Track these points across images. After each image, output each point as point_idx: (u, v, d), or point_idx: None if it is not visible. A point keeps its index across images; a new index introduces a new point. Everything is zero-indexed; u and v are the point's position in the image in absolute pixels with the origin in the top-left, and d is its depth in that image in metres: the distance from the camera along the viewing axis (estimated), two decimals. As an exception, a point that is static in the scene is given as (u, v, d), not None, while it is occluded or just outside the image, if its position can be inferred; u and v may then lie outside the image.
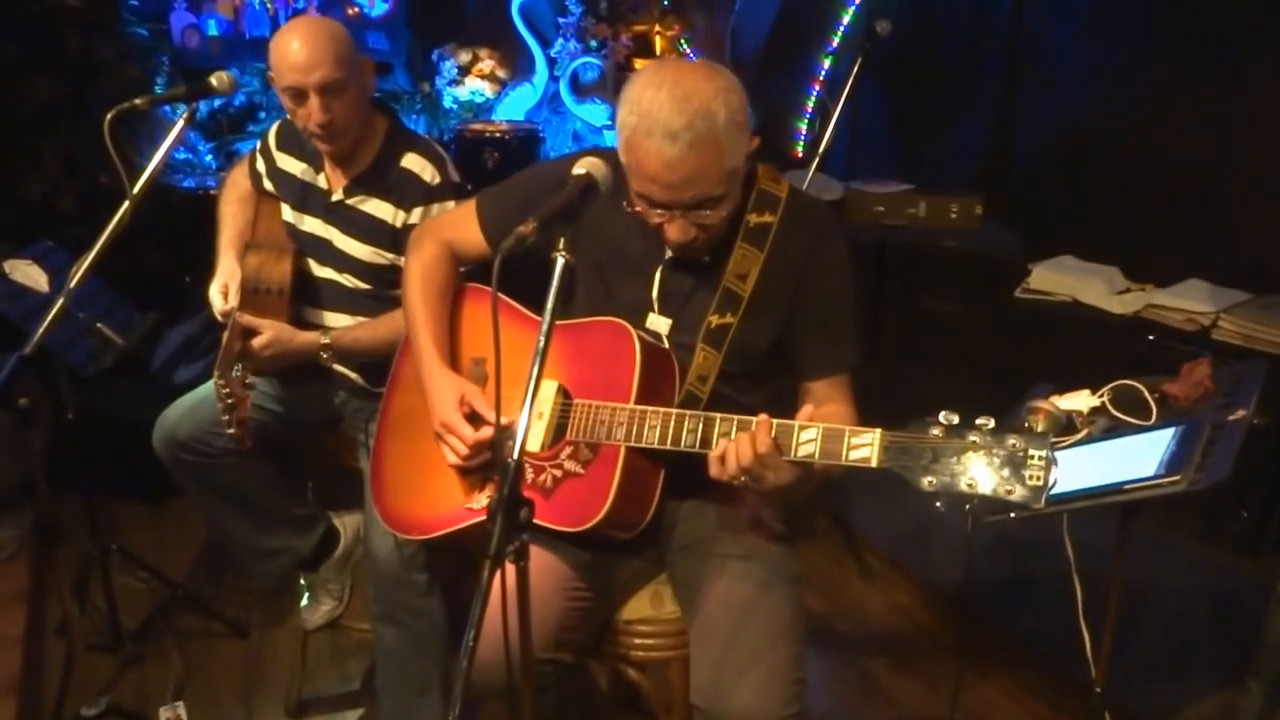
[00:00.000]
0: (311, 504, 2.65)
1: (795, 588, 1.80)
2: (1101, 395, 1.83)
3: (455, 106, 4.33)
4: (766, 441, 1.53)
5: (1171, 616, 2.84)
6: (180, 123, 2.21)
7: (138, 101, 2.18)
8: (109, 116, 2.09)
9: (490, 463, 1.86)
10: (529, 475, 1.78)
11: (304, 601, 2.75)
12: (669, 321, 1.80)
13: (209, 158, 4.21)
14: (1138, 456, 1.68)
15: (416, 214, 2.30)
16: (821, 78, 4.13)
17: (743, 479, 1.57)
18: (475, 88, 4.34)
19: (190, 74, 4.26)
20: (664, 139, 1.55)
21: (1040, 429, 1.46)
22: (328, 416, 2.54)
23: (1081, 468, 1.72)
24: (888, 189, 3.60)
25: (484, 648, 1.73)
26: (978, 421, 1.43)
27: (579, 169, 1.52)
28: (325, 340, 2.33)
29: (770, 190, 1.78)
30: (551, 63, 4.39)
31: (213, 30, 4.24)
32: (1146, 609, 2.76)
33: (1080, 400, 1.82)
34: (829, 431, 1.52)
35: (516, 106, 4.37)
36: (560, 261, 1.44)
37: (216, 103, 4.27)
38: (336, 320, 2.42)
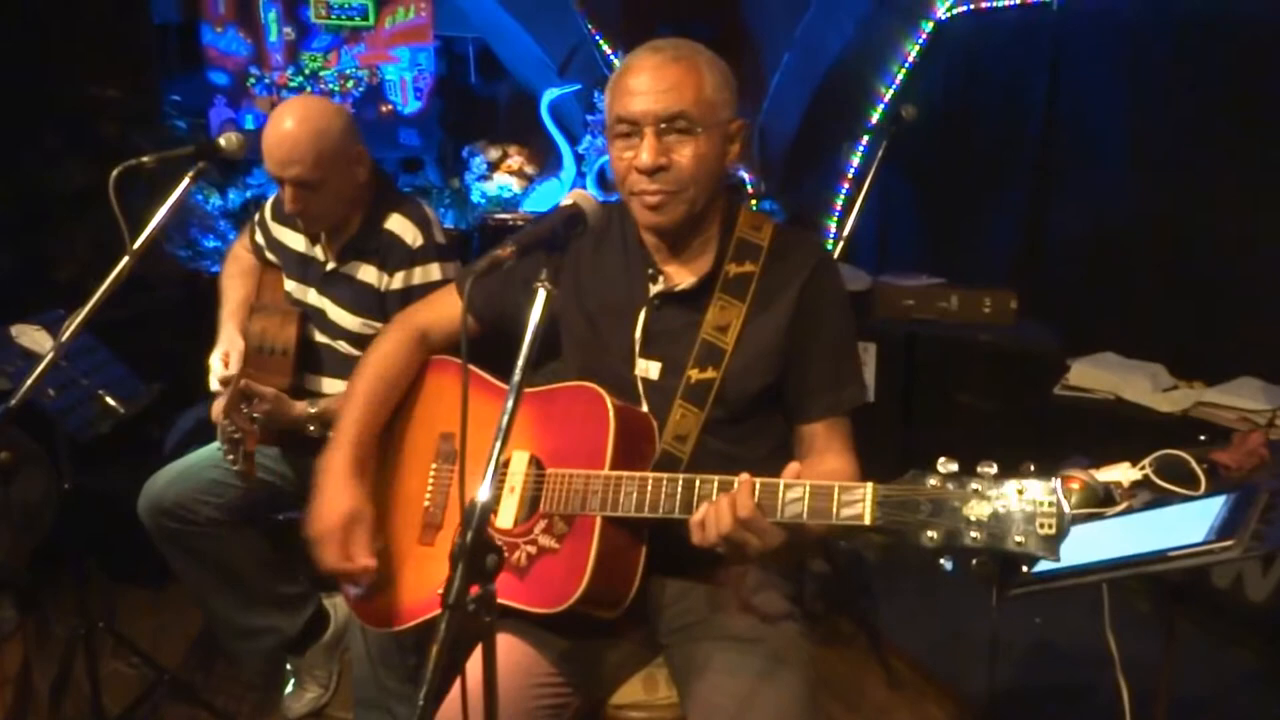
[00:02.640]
0: (301, 583, 2.55)
1: (806, 671, 1.64)
2: (1143, 467, 1.67)
3: (484, 201, 4.37)
4: (748, 504, 1.39)
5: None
6: (185, 181, 2.19)
7: (145, 159, 2.19)
8: (115, 173, 2.09)
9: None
10: None
11: (289, 688, 2.63)
12: (658, 365, 1.70)
13: (239, 246, 4.22)
14: (1185, 525, 1.52)
15: (399, 278, 2.25)
16: (850, 175, 4.10)
17: (724, 546, 1.43)
18: (503, 183, 4.39)
19: (225, 166, 4.37)
20: (648, 52, 1.60)
21: (1074, 501, 1.32)
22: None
23: (1122, 537, 1.55)
24: (918, 282, 3.52)
25: None
26: (979, 469, 1.29)
27: (567, 200, 1.45)
28: (313, 410, 2.26)
29: (751, 239, 1.71)
30: (579, 159, 4.44)
31: (250, 124, 4.33)
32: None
33: (1119, 473, 1.67)
34: (817, 489, 1.39)
35: (543, 201, 4.42)
36: (542, 293, 1.36)
37: (249, 194, 4.34)
38: (334, 387, 2.38)
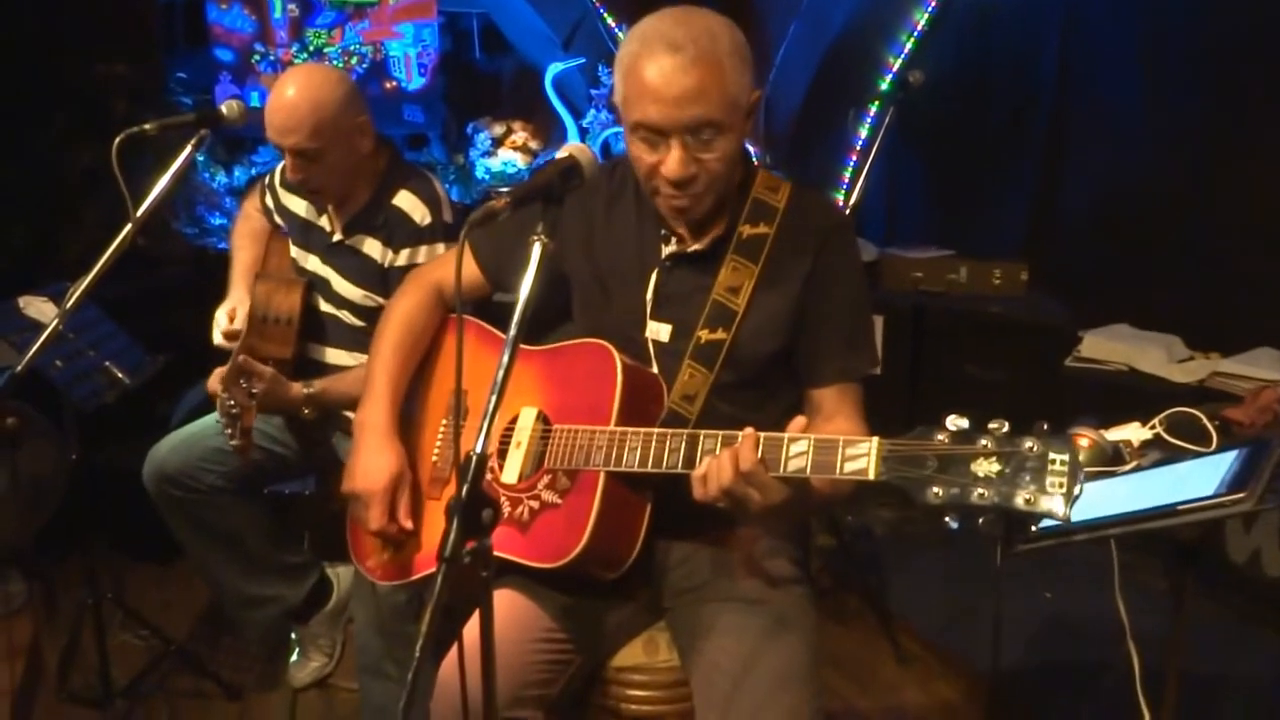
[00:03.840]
0: (304, 552, 2.55)
1: (809, 635, 1.62)
2: (1154, 425, 1.64)
3: (488, 177, 4.35)
4: (750, 458, 1.37)
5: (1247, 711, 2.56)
6: (188, 148, 2.17)
7: (147, 126, 2.17)
8: (117, 141, 2.07)
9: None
10: (505, 509, 1.64)
11: (293, 657, 2.62)
12: (668, 327, 1.67)
13: (246, 223, 4.22)
14: (1195, 479, 1.49)
15: (404, 255, 2.22)
16: (858, 148, 4.06)
17: (726, 500, 1.41)
18: (508, 159, 4.37)
19: (232, 143, 4.37)
20: (665, 51, 1.47)
21: (1082, 459, 1.28)
22: (328, 460, 2.44)
23: (1131, 494, 1.53)
24: (926, 254, 3.48)
25: (438, 702, 1.59)
26: (990, 425, 1.26)
27: (563, 152, 1.43)
28: (309, 392, 2.22)
29: (766, 200, 1.68)
30: (583, 133, 4.41)
31: (255, 102, 4.32)
32: (1223, 705, 2.50)
33: (1129, 432, 1.64)
34: (821, 443, 1.36)
35: (549, 178, 4.38)
36: (538, 246, 1.35)
37: (254, 171, 4.33)
38: (337, 357, 2.36)
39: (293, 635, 2.62)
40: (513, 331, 1.33)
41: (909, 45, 3.93)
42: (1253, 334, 3.09)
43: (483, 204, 1.32)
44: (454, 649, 1.60)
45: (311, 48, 4.34)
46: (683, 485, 1.49)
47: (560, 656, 1.65)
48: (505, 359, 1.32)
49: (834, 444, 1.35)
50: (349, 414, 2.33)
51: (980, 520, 1.25)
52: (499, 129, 4.44)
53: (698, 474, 1.43)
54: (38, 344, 1.98)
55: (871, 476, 1.31)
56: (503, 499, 1.65)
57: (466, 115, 4.47)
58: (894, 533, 3.50)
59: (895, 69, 3.96)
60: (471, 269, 1.85)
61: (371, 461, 1.74)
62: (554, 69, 4.33)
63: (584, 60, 4.37)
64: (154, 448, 2.35)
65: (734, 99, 1.51)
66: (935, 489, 1.25)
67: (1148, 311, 3.32)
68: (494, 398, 1.31)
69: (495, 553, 1.26)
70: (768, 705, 1.50)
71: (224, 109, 2.18)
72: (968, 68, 3.90)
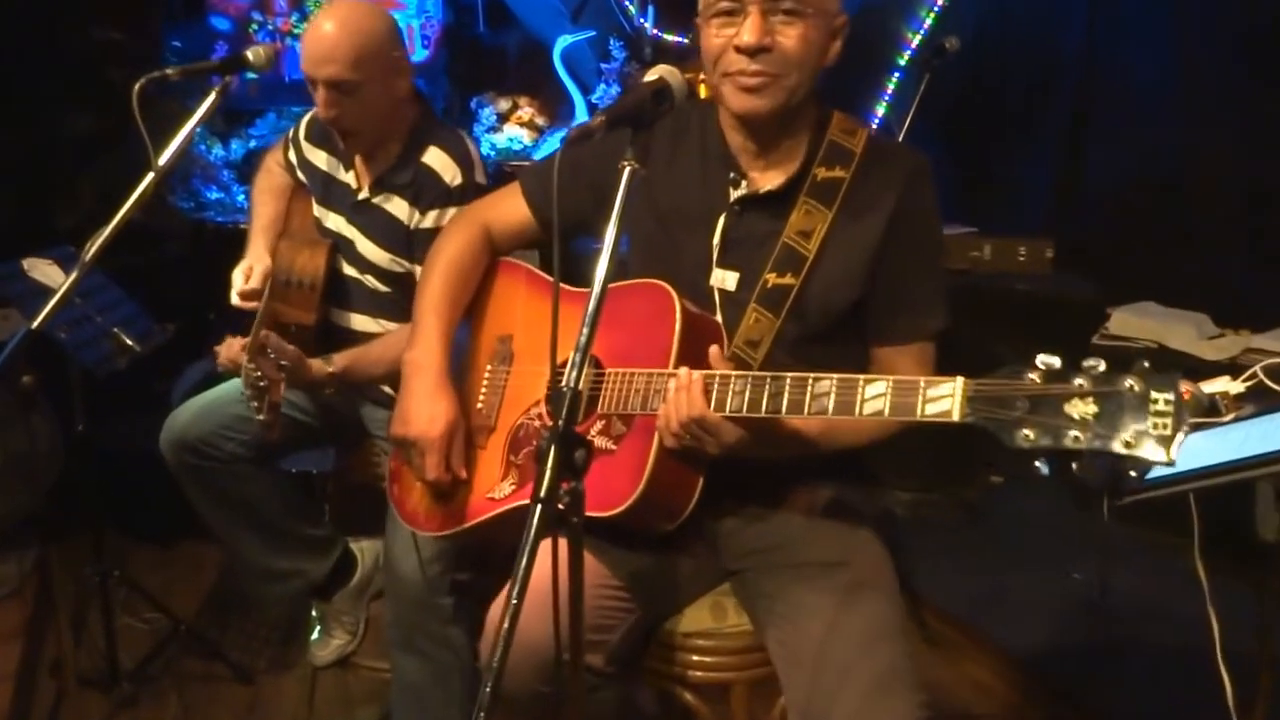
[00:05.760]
0: (327, 526, 2.45)
1: (895, 595, 1.56)
2: (1252, 375, 1.56)
3: (493, 153, 4.25)
4: (700, 404, 1.39)
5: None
6: (213, 95, 2.06)
7: (169, 71, 2.06)
8: (138, 85, 1.96)
9: (517, 448, 1.67)
10: None
11: (314, 634, 2.52)
12: (735, 275, 1.59)
13: (241, 198, 4.12)
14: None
15: (431, 217, 2.11)
16: (886, 102, 3.99)
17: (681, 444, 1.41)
18: (514, 134, 4.28)
19: (230, 115, 4.24)
20: None
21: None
22: (353, 430, 2.35)
23: (1226, 445, 1.46)
24: (949, 231, 3.43)
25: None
26: (1084, 363, 1.16)
27: (652, 74, 1.35)
28: (331, 370, 2.11)
29: (843, 143, 1.59)
30: (592, 109, 4.33)
31: (251, 74, 4.19)
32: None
33: (1222, 384, 1.57)
34: (901, 384, 1.28)
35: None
36: (628, 170, 1.28)
37: (252, 144, 4.21)
38: (361, 323, 2.26)
39: (313, 612, 2.52)
40: (604, 263, 1.25)
41: (929, 20, 3.87)
42: (1280, 312, 3.06)
43: (578, 127, 1.25)
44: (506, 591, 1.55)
45: (311, 16, 4.24)
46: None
47: (619, 606, 1.58)
48: (597, 288, 1.24)
49: (914, 385, 1.27)
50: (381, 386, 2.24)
51: (1075, 466, 1.17)
52: (504, 104, 4.35)
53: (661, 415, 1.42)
54: (55, 299, 1.86)
55: (956, 418, 1.22)
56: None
57: (470, 90, 4.37)
58: (913, 514, 3.45)
59: (914, 45, 3.90)
60: (521, 210, 1.77)
61: (425, 407, 1.67)
62: (562, 42, 4.24)
63: (594, 33, 4.28)
64: (171, 416, 2.25)
65: None
66: (1026, 431, 1.16)
67: (1175, 288, 3.27)
68: (586, 330, 1.23)
69: None
70: (859, 662, 1.43)
71: (250, 54, 2.05)
72: (988, 39, 3.84)
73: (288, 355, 2.00)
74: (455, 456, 1.67)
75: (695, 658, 1.63)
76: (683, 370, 1.42)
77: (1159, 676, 2.58)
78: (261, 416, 2.00)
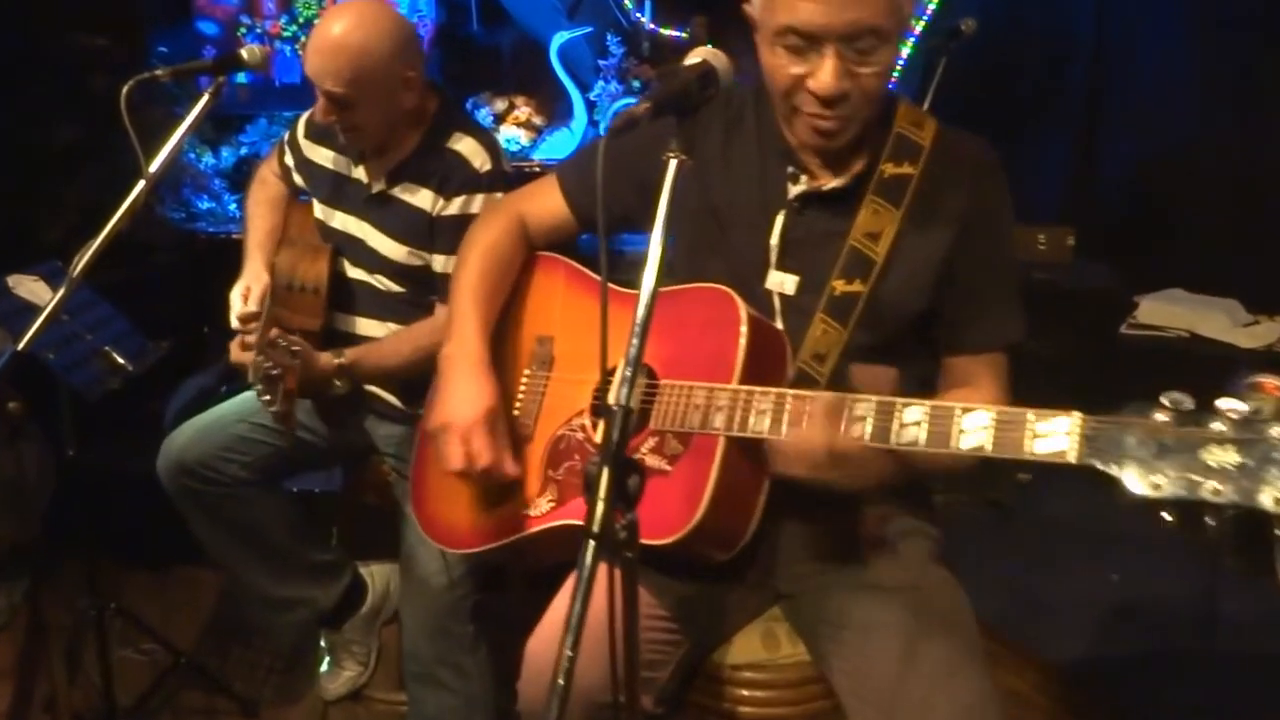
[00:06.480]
0: (335, 550, 2.34)
1: (967, 617, 1.46)
2: None
3: (492, 155, 4.14)
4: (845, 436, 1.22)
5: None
6: (206, 97, 1.95)
7: (159, 72, 1.97)
8: (127, 87, 1.87)
9: (557, 461, 1.54)
10: None
11: (324, 666, 2.42)
12: (795, 278, 1.47)
13: (233, 207, 4.00)
14: None
15: (457, 204, 2.01)
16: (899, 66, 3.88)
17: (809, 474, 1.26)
18: (511, 135, 4.16)
19: (219, 122, 4.12)
20: None
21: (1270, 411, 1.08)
22: (359, 447, 2.23)
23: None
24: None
25: (529, 684, 1.42)
26: (1221, 404, 1.03)
27: (694, 57, 1.23)
28: (339, 361, 2.00)
29: (911, 136, 1.47)
30: (591, 106, 4.21)
31: (241, 78, 4.07)
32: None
33: (1313, 381, 1.44)
34: (1005, 418, 1.15)
35: (555, 151, 4.20)
36: (674, 163, 1.16)
37: (243, 151, 4.08)
38: (369, 328, 2.16)
39: (322, 642, 2.42)
40: (653, 264, 1.13)
41: (931, 5, 3.76)
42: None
43: (623, 114, 1.14)
44: (551, 625, 1.47)
45: (301, 19, 4.09)
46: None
47: (667, 637, 1.48)
48: (647, 292, 1.12)
49: (1020, 418, 1.14)
50: (383, 394, 2.13)
51: (1210, 521, 1.04)
52: (500, 105, 4.22)
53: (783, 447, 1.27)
54: (42, 317, 1.78)
55: (1073, 459, 1.09)
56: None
57: (465, 91, 4.25)
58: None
59: (918, 32, 3.79)
60: (557, 205, 1.66)
61: (461, 389, 1.53)
62: (559, 38, 4.13)
63: (591, 29, 4.16)
64: (169, 438, 2.15)
65: (898, 6, 1.31)
66: (1155, 479, 1.03)
67: (1200, 274, 3.20)
68: (636, 341, 1.11)
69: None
70: (938, 697, 1.33)
71: (245, 53, 1.95)
72: (996, 24, 3.72)
73: (294, 343, 1.91)
74: (501, 444, 1.52)
75: (746, 692, 1.52)
76: (816, 394, 1.29)
77: (1212, 682, 2.48)
78: (276, 408, 1.90)
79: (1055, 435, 1.11)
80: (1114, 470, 1.05)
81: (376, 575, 2.37)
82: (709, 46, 1.25)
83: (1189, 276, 3.22)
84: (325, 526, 2.39)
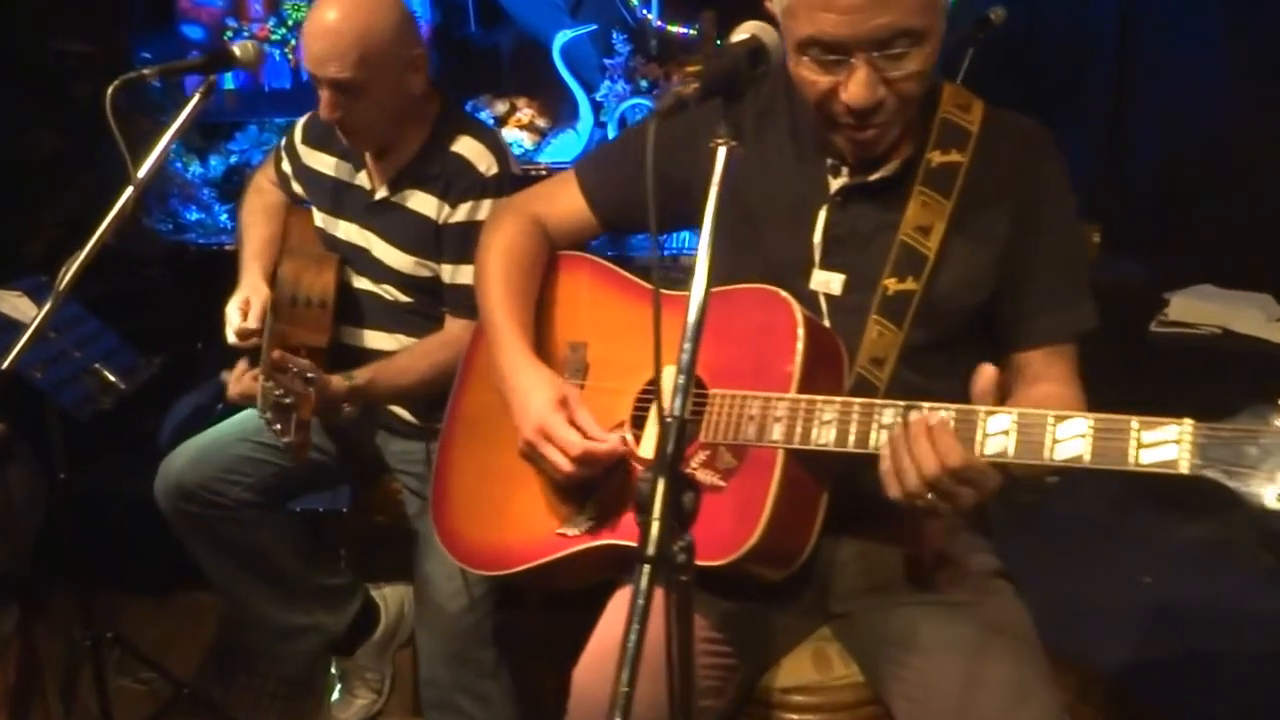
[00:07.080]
0: (345, 573, 2.24)
1: (1035, 640, 1.36)
2: None
3: (493, 158, 4.05)
4: (956, 448, 1.11)
5: None
6: (196, 97, 1.85)
7: (145, 71, 1.89)
8: (112, 88, 1.79)
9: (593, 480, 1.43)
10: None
11: (335, 694, 2.32)
12: (841, 277, 1.38)
13: (224, 217, 3.91)
14: None
15: (463, 210, 1.92)
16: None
17: (930, 497, 1.13)
18: (513, 138, 4.05)
19: (207, 130, 4.02)
20: None
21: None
22: (370, 464, 2.13)
23: None
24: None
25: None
26: None
27: (741, 32, 1.13)
28: (351, 384, 1.88)
29: (958, 121, 1.38)
30: (596, 107, 4.12)
31: (230, 83, 3.97)
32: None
33: None
34: (1106, 426, 1.06)
35: (560, 154, 4.11)
36: (723, 150, 1.05)
37: (233, 160, 3.97)
38: (377, 340, 2.05)
39: (333, 669, 2.32)
40: (702, 265, 1.03)
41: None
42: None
43: (670, 92, 1.06)
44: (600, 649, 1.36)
45: (290, 22, 4.00)
46: (856, 468, 1.23)
47: (722, 661, 1.38)
48: (699, 291, 1.01)
49: (1122, 427, 1.05)
50: (396, 409, 2.02)
51: None
52: (501, 107, 4.13)
53: (892, 467, 1.15)
54: (27, 334, 1.70)
55: (1185, 470, 1.02)
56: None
57: (464, 94, 4.16)
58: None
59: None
60: (576, 204, 1.57)
61: (523, 400, 1.44)
62: (562, 37, 4.04)
63: (594, 27, 4.08)
64: (166, 460, 2.05)
65: None
66: (1277, 490, 0.96)
67: (1230, 270, 3.12)
68: (689, 346, 1.00)
69: (630, 543, 0.99)
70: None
71: (237, 49, 1.85)
72: (1019, 17, 3.66)
73: (306, 368, 1.77)
74: (587, 422, 1.41)
75: (797, 716, 1.44)
76: (919, 412, 1.17)
77: (1261, 685, 2.39)
78: (288, 439, 1.79)
79: (1165, 445, 1.03)
80: (1235, 484, 0.98)
81: (390, 598, 2.28)
82: (756, 21, 1.14)
83: (1219, 272, 3.15)
84: (333, 548, 2.30)
